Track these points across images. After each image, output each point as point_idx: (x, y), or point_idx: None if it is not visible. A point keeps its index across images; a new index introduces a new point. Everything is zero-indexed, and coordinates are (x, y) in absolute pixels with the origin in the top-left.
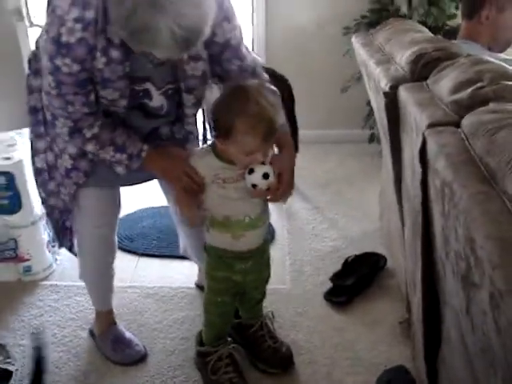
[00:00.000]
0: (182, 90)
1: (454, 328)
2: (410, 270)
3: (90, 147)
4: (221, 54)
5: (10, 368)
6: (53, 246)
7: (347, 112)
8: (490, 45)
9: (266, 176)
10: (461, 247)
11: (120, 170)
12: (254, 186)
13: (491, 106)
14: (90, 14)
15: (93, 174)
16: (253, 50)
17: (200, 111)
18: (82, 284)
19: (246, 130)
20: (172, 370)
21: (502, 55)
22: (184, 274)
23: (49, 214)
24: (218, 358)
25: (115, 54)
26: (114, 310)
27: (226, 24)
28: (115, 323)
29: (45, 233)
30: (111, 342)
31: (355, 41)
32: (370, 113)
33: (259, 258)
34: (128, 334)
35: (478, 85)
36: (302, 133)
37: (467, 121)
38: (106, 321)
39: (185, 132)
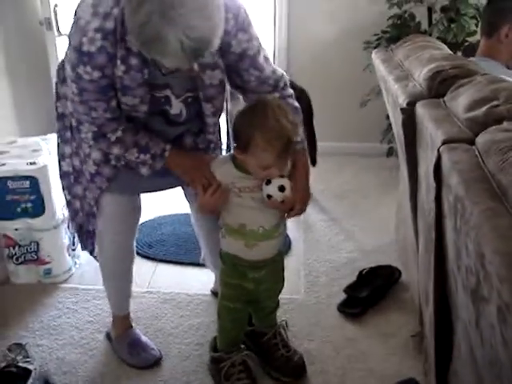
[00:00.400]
0: (200, 99)
1: (464, 341)
2: (423, 283)
3: (115, 150)
4: (238, 64)
5: (30, 367)
6: (73, 250)
7: (366, 126)
8: (509, 63)
9: (281, 189)
10: (471, 262)
11: (144, 170)
12: (269, 196)
13: (505, 124)
14: (109, 25)
15: (115, 179)
16: (274, 61)
17: (224, 121)
18: (101, 287)
19: (263, 144)
20: (186, 375)
21: None
22: (201, 281)
23: (73, 218)
24: (231, 364)
25: (134, 61)
26: (132, 315)
27: (242, 34)
28: (131, 327)
29: (65, 236)
30: (127, 346)
31: (375, 56)
32: (389, 127)
33: (273, 268)
34: (144, 338)
35: (493, 103)
36: (320, 144)
37: (481, 139)
38: (122, 325)
39: (207, 142)
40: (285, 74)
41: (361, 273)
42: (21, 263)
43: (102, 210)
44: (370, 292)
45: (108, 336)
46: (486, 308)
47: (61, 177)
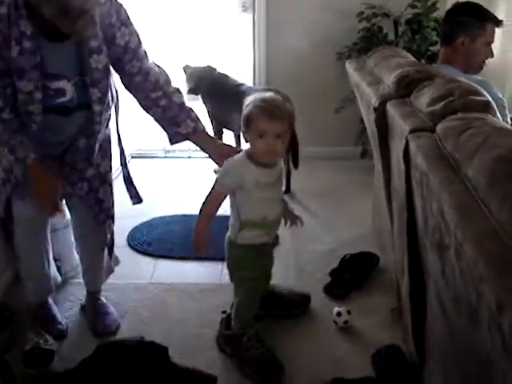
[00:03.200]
0: (88, 84)
1: (434, 294)
2: (399, 259)
3: None
4: (123, 56)
5: (52, 347)
6: None
7: (340, 130)
8: (465, 68)
9: (346, 322)
10: (435, 220)
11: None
12: (335, 322)
13: (459, 115)
14: (3, 10)
15: (19, 186)
16: (254, 74)
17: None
18: (109, 281)
19: (257, 112)
20: (191, 351)
21: (475, 76)
22: (199, 272)
23: None
24: (248, 338)
25: (27, 44)
26: (139, 303)
27: (124, 28)
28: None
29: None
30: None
31: (349, 66)
32: (362, 130)
33: (271, 247)
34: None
35: (450, 99)
36: (299, 149)
37: (440, 127)
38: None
39: (99, 142)
40: (165, 71)
41: (343, 259)
42: None
43: (13, 215)
44: (352, 275)
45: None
46: (448, 254)
47: None
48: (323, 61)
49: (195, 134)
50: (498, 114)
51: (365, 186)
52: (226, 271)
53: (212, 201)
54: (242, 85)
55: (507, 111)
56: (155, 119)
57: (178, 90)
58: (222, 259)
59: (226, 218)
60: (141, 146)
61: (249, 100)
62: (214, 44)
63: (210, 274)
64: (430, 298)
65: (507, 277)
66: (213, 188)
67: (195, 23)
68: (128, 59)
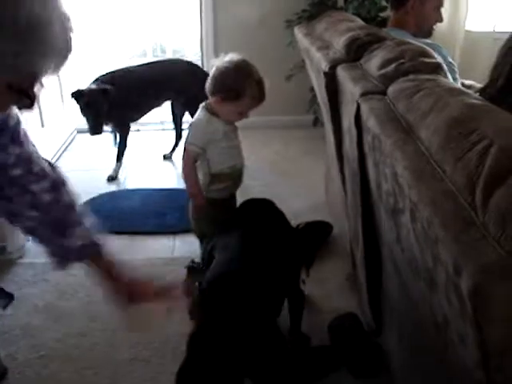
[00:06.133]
0: None
1: (389, 261)
2: (353, 225)
3: None
4: None
5: None
6: None
7: (291, 99)
8: (416, 32)
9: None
10: (389, 185)
11: None
12: None
13: (410, 77)
14: None
15: None
16: (201, 46)
17: None
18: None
19: (253, 93)
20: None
21: (425, 39)
22: (151, 248)
23: None
24: None
25: None
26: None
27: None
28: None
29: None
30: None
31: (298, 31)
32: (313, 98)
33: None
34: None
35: (401, 61)
36: (250, 119)
37: (391, 89)
38: None
39: None
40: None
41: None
42: None
43: None
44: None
45: None
46: (403, 218)
47: None
48: (272, 29)
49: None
50: (450, 76)
51: (318, 155)
52: (178, 244)
53: (188, 163)
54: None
55: (458, 75)
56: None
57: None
58: (173, 233)
59: (177, 191)
60: None
61: (235, 65)
62: (161, 17)
63: (162, 248)
64: (385, 264)
65: (463, 236)
66: (185, 151)
67: None
68: None
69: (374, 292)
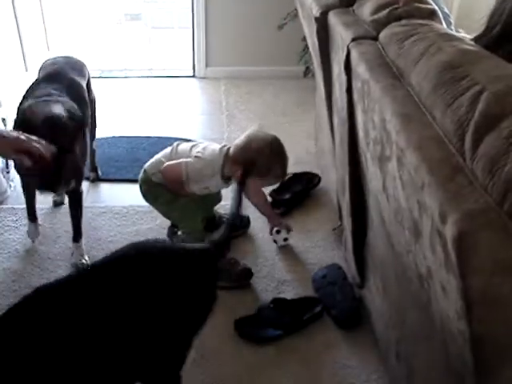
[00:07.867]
0: None
1: (375, 210)
2: (341, 178)
3: None
4: None
5: None
6: (7, 172)
7: (283, 50)
8: None
9: (285, 239)
10: (377, 133)
11: None
12: (274, 241)
13: (403, 22)
14: None
15: None
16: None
17: None
18: (40, 205)
19: (280, 173)
20: None
21: None
22: (133, 194)
23: None
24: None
25: None
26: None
27: None
28: None
29: None
30: None
31: None
32: (305, 48)
33: None
34: None
35: (394, 6)
36: (241, 69)
37: (383, 34)
38: None
39: None
40: None
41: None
42: None
43: None
44: (292, 195)
45: None
46: (389, 165)
47: None
48: None
49: None
50: (444, 24)
51: (308, 106)
52: None
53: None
54: None
55: (453, 27)
56: None
57: None
58: None
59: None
60: None
61: (264, 147)
62: None
63: None
64: (371, 214)
65: (450, 182)
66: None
67: None
68: None
69: (359, 244)
